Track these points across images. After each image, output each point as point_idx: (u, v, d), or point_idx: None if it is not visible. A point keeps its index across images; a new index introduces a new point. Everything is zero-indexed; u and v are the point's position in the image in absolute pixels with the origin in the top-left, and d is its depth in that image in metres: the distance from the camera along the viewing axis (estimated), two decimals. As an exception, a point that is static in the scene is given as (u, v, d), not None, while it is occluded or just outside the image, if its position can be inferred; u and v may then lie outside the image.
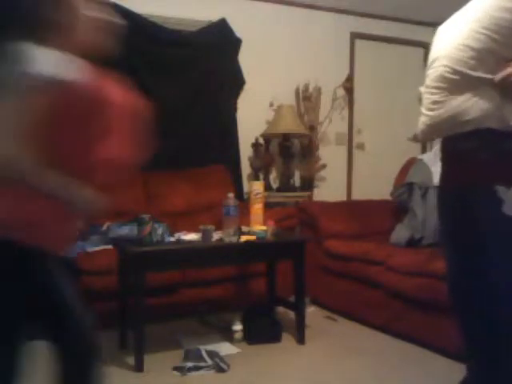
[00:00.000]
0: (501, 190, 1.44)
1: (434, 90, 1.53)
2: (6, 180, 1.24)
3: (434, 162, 4.03)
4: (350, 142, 4.94)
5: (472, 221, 1.50)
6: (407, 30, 5.05)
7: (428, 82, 1.57)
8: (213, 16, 4.31)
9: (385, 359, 2.88)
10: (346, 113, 4.91)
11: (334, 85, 4.73)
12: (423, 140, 1.62)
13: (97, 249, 3.30)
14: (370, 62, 4.98)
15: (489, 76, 1.43)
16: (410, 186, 3.98)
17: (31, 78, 1.17)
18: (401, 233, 3.80)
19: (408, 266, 3.12)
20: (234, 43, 4.41)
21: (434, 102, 1.53)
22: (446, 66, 1.49)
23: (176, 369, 2.68)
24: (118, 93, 1.33)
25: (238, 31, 4.37)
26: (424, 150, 5.08)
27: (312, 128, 4.61)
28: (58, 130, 1.24)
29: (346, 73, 4.85)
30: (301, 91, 4.62)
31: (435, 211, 3.84)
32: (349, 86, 4.84)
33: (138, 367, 2.66)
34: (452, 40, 1.50)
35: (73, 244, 1.53)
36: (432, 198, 3.79)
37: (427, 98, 1.56)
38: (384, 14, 4.90)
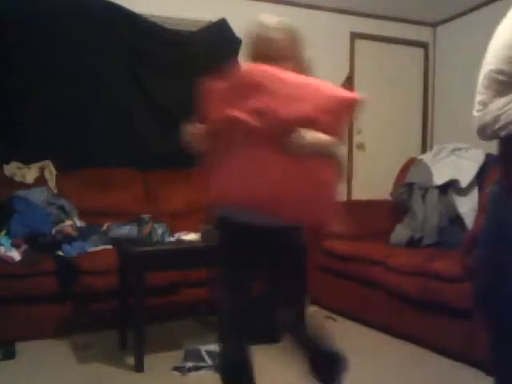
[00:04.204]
0: None
1: (482, 90, 1.45)
2: None
3: (433, 162, 4.03)
4: (350, 142, 4.94)
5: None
6: (407, 30, 5.05)
7: (479, 80, 1.50)
8: (213, 16, 4.31)
9: (385, 359, 2.88)
10: (345, 113, 4.90)
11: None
12: (484, 140, 1.56)
13: (97, 249, 3.31)
14: (370, 62, 4.97)
15: None
16: (410, 186, 3.98)
17: None
18: (401, 233, 3.80)
19: (408, 265, 3.12)
20: (234, 43, 4.41)
21: (480, 103, 1.46)
22: (491, 64, 1.42)
23: (176, 369, 2.68)
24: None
25: (238, 31, 4.37)
26: (424, 150, 5.08)
27: (312, 128, 4.61)
28: None
29: (346, 73, 4.85)
30: (301, 91, 4.62)
31: (435, 211, 3.88)
32: (349, 85, 4.83)
33: (138, 367, 2.65)
34: (502, 37, 1.42)
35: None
36: (432, 198, 3.79)
37: (476, 98, 1.49)
38: (384, 14, 4.90)
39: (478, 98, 1.45)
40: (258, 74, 1.68)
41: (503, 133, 1.40)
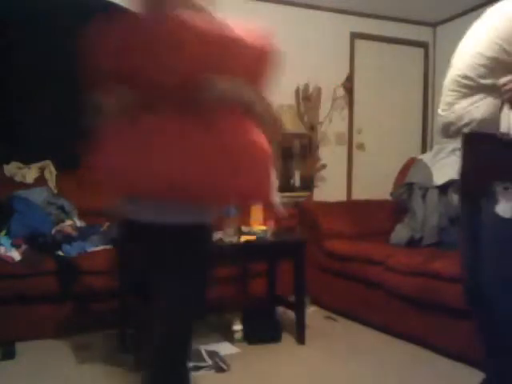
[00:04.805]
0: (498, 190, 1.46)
1: (448, 92, 1.58)
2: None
3: (433, 162, 4.03)
4: (350, 142, 4.94)
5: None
6: (407, 30, 5.05)
7: (445, 83, 1.62)
8: (213, 16, 4.31)
9: (385, 359, 2.87)
10: (345, 113, 4.90)
11: (333, 85, 4.73)
12: (446, 137, 1.76)
13: (97, 249, 3.31)
14: (370, 62, 4.97)
15: (496, 84, 1.46)
16: (410, 186, 3.98)
17: None
18: (401, 233, 3.80)
19: (408, 265, 3.12)
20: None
21: (446, 104, 1.58)
22: (459, 69, 1.54)
23: (176, 369, 2.67)
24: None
25: (238, 31, 4.36)
26: (424, 150, 5.08)
27: (312, 128, 4.61)
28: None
29: (345, 73, 4.84)
30: (301, 91, 4.61)
31: (435, 211, 3.89)
32: (349, 85, 4.83)
33: (138, 367, 2.65)
34: (469, 45, 1.53)
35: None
36: (432, 198, 3.79)
37: (442, 99, 1.61)
38: (384, 14, 4.90)
39: (445, 99, 1.61)
40: (161, 21, 1.45)
41: (466, 130, 1.54)
